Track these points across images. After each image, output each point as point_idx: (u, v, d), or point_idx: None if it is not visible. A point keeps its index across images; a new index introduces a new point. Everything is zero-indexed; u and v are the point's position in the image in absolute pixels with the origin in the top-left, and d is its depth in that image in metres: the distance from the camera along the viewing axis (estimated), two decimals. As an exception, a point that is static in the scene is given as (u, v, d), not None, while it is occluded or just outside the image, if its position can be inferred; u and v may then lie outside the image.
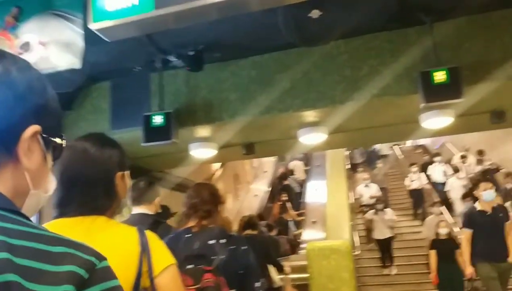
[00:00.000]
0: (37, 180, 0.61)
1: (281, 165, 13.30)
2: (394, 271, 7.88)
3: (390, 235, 8.00)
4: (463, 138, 10.56)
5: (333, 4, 3.25)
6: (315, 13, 3.20)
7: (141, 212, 2.44)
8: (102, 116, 4.44)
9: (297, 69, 4.01)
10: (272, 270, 4.45)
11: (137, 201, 2.43)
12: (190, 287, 1.43)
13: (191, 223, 1.89)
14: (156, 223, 2.43)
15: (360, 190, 9.65)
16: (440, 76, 3.51)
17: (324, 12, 3.19)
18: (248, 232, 4.42)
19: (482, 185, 4.51)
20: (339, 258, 4.52)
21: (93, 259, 0.52)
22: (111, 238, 1.04)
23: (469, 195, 6.67)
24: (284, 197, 9.85)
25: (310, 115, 4.14)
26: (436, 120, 4.35)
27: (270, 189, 11.93)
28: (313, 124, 4.45)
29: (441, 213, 7.90)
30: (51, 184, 0.67)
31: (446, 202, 8.90)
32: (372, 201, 8.88)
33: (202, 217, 1.88)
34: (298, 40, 3.67)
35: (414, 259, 8.05)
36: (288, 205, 9.66)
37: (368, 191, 9.38)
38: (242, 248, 1.86)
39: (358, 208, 9.58)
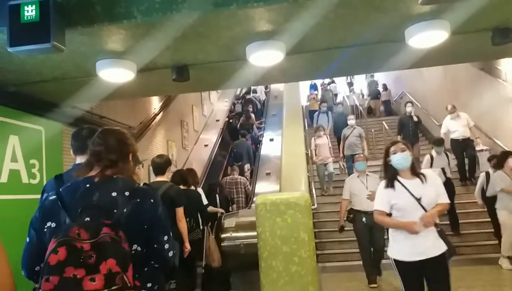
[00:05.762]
0: None
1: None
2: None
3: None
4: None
5: None
6: None
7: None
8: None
9: None
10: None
11: (81, 150, 2.32)
12: (85, 242, 1.39)
13: (93, 173, 1.71)
14: None
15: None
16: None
17: None
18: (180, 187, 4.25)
19: None
20: (297, 215, 3.45)
21: None
22: None
23: None
24: (250, 107, 12.79)
25: (262, 16, 2.90)
26: (428, 34, 3.30)
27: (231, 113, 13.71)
28: (267, 35, 3.22)
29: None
30: None
31: None
32: None
33: (106, 166, 1.71)
34: None
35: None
36: (252, 115, 12.27)
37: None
38: (150, 201, 1.69)
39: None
